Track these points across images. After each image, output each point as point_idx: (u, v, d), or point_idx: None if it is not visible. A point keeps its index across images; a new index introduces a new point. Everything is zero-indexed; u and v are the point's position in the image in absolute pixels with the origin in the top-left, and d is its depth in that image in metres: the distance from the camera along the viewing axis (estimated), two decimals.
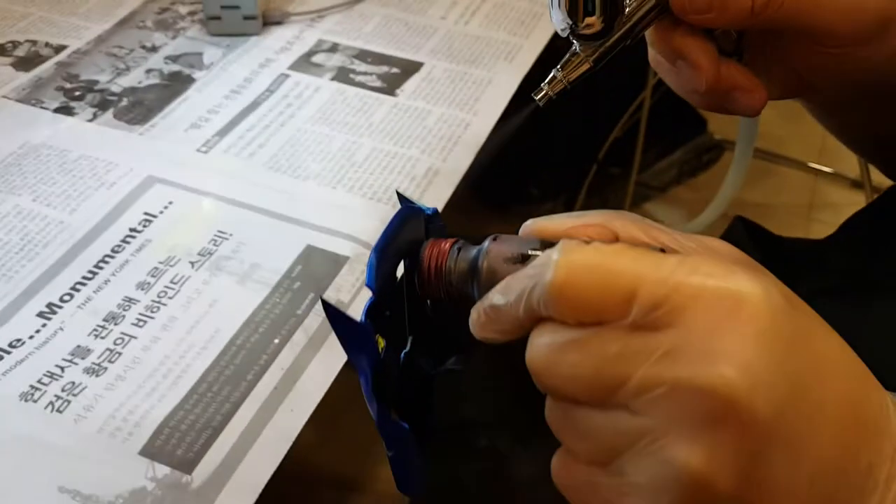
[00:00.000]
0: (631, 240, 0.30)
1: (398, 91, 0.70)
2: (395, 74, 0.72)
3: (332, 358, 0.49)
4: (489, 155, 0.68)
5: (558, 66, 0.39)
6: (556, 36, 0.81)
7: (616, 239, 0.30)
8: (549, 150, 1.35)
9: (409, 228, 0.34)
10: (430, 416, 0.37)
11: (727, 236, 0.65)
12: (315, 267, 0.54)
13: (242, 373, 0.48)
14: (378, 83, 0.71)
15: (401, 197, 0.35)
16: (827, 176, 1.79)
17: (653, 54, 0.41)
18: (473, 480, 0.64)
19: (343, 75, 0.71)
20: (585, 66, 0.39)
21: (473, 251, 0.32)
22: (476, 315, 0.30)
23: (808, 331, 0.27)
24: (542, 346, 0.27)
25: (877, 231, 0.49)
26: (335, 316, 0.31)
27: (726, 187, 0.96)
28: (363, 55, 0.74)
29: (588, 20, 0.38)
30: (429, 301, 0.35)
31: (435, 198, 0.59)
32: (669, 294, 0.25)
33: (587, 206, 1.50)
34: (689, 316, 0.25)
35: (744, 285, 0.26)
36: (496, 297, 0.29)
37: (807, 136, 1.75)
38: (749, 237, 0.61)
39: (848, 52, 0.38)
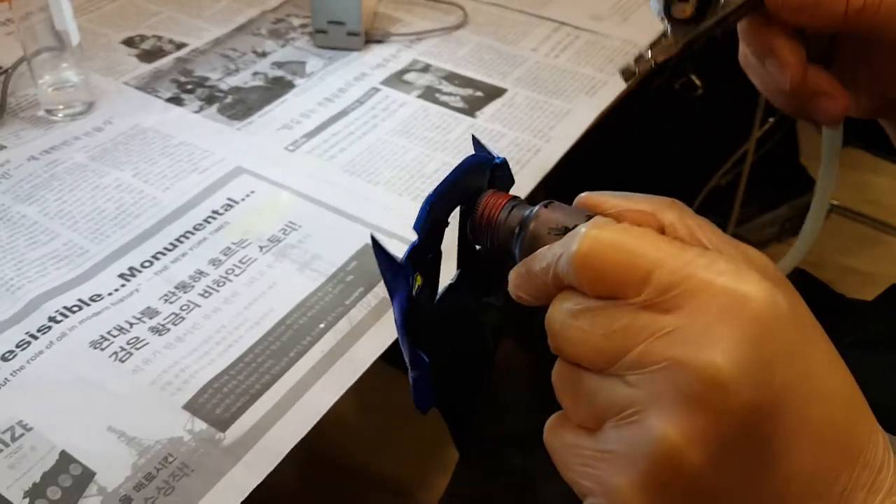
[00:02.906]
0: (671, 230, 0.31)
1: (478, 113, 0.73)
2: (479, 97, 0.75)
3: (371, 347, 0.52)
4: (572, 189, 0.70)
5: (648, 46, 0.41)
6: (668, 84, 0.82)
7: (660, 227, 0.31)
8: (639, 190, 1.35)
9: (473, 175, 0.36)
10: (459, 354, 0.40)
11: None
12: (369, 264, 0.58)
13: (286, 350, 0.52)
14: (461, 104, 0.74)
15: (475, 141, 0.37)
16: None
17: (743, 51, 0.41)
18: (501, 496, 0.66)
19: (429, 94, 0.76)
20: (674, 50, 0.40)
21: (525, 211, 0.34)
22: (513, 276, 0.32)
23: (809, 347, 0.28)
24: (560, 309, 0.30)
25: None
26: (380, 253, 0.34)
27: (801, 240, 0.93)
28: (451, 77, 0.78)
29: (681, 4, 0.39)
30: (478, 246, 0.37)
31: None
32: (681, 281, 0.27)
33: None
34: (696, 304, 0.27)
35: (752, 288, 0.27)
36: (533, 262, 0.31)
37: None
38: (804, 290, 0.61)
39: None
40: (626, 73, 0.41)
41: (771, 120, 1.37)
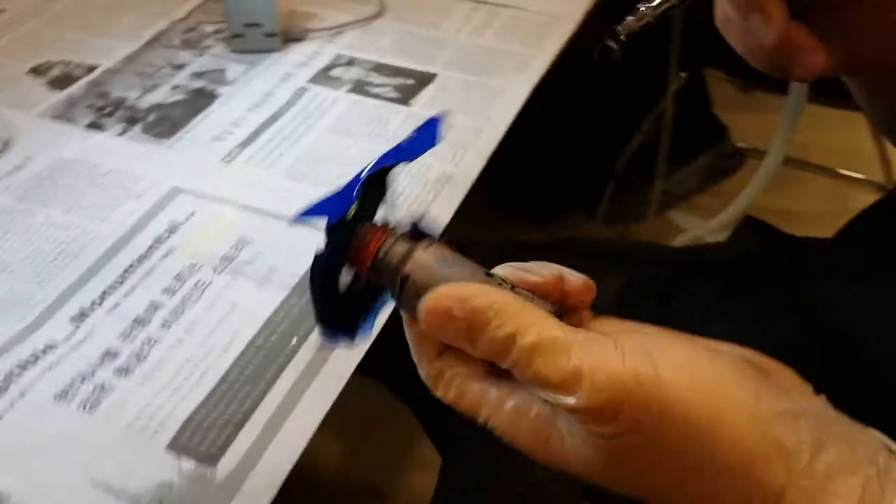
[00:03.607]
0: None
1: (412, 101, 0.72)
2: (410, 85, 0.74)
3: (349, 355, 0.51)
4: (508, 163, 0.70)
5: (645, 2, 0.40)
6: (571, 46, 0.83)
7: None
8: (569, 160, 1.36)
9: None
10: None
11: (736, 236, 0.66)
12: None
13: (262, 372, 0.50)
14: (393, 94, 0.73)
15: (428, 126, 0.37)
16: (854, 181, 1.78)
17: (722, 11, 0.41)
18: (488, 481, 0.66)
19: (360, 87, 0.74)
20: (670, 3, 0.40)
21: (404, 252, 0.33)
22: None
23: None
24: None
25: (889, 225, 0.50)
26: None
27: (750, 189, 0.96)
28: (379, 68, 0.76)
29: None
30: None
31: (447, 201, 0.61)
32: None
33: (610, 215, 1.51)
34: None
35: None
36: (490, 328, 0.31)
37: (832, 142, 1.74)
38: (756, 236, 0.62)
39: None
40: (625, 32, 0.40)
41: (683, 75, 1.40)
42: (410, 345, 0.35)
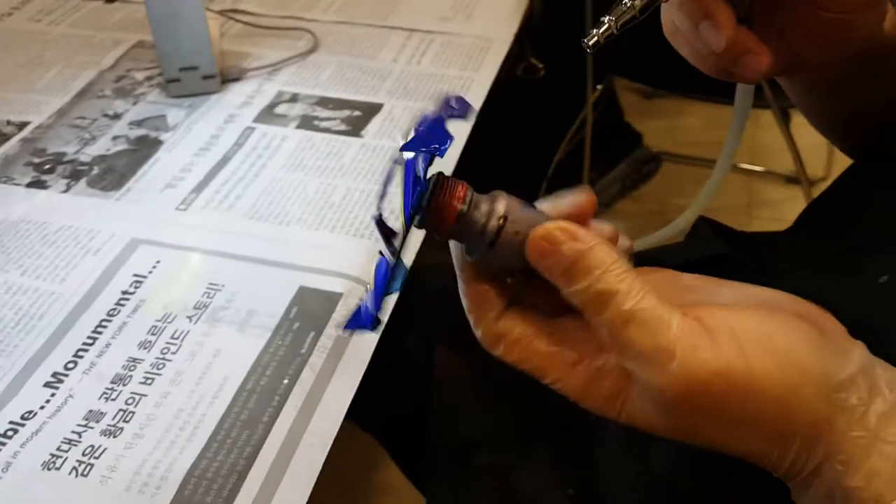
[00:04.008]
0: None
1: (363, 132, 0.72)
2: (358, 117, 0.74)
3: (343, 389, 0.50)
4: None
5: (609, 14, 0.41)
6: (503, 66, 0.85)
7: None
8: (499, 176, 1.39)
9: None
10: None
11: (693, 236, 0.68)
12: (311, 306, 0.56)
13: (258, 416, 0.49)
14: (343, 126, 0.73)
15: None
16: (760, 175, 1.87)
17: (670, 21, 0.43)
18: (476, 499, 0.66)
19: (307, 123, 0.74)
20: (632, 14, 0.41)
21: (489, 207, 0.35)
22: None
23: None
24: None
25: (844, 209, 0.53)
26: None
27: (704, 193, 1.00)
28: (324, 102, 0.76)
29: None
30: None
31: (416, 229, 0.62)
32: None
33: None
34: None
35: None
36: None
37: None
38: (715, 234, 0.65)
39: (849, 18, 0.41)
40: (590, 39, 0.41)
41: (599, 87, 1.45)
42: (468, 306, 0.36)
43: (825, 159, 1.74)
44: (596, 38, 0.42)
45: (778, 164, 1.83)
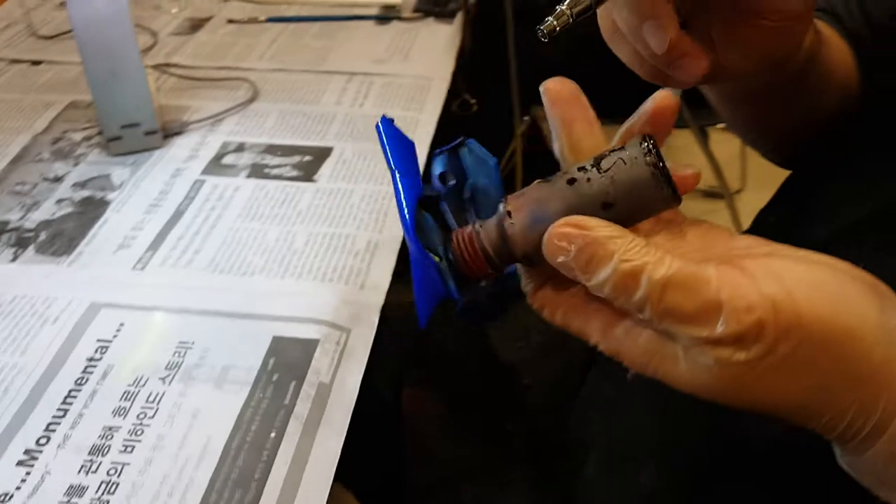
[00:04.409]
0: None
1: (316, 176, 0.72)
2: (309, 162, 0.74)
3: (332, 435, 0.50)
4: None
5: (564, 3, 0.42)
6: (446, 106, 0.86)
7: None
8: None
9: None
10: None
11: None
12: (288, 356, 0.55)
13: (249, 473, 0.48)
14: (294, 172, 0.73)
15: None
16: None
17: (610, 24, 0.43)
18: None
19: (258, 171, 0.73)
20: (586, 3, 0.41)
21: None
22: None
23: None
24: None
25: (788, 218, 0.55)
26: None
27: None
28: (272, 149, 0.76)
29: None
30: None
31: (382, 266, 0.62)
32: None
33: None
34: None
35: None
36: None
37: None
38: None
39: (783, 27, 0.42)
40: (546, 27, 0.41)
41: (526, 118, 1.48)
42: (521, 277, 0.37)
43: (739, 172, 1.82)
44: (552, 26, 0.42)
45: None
